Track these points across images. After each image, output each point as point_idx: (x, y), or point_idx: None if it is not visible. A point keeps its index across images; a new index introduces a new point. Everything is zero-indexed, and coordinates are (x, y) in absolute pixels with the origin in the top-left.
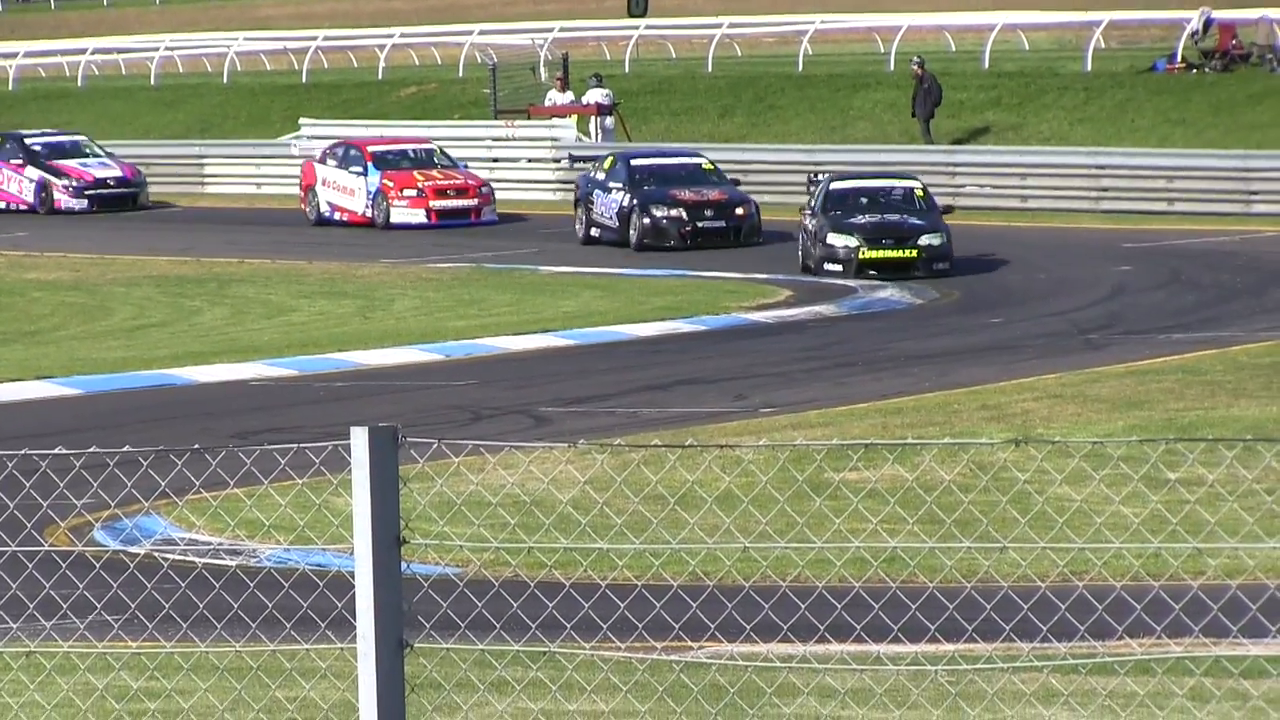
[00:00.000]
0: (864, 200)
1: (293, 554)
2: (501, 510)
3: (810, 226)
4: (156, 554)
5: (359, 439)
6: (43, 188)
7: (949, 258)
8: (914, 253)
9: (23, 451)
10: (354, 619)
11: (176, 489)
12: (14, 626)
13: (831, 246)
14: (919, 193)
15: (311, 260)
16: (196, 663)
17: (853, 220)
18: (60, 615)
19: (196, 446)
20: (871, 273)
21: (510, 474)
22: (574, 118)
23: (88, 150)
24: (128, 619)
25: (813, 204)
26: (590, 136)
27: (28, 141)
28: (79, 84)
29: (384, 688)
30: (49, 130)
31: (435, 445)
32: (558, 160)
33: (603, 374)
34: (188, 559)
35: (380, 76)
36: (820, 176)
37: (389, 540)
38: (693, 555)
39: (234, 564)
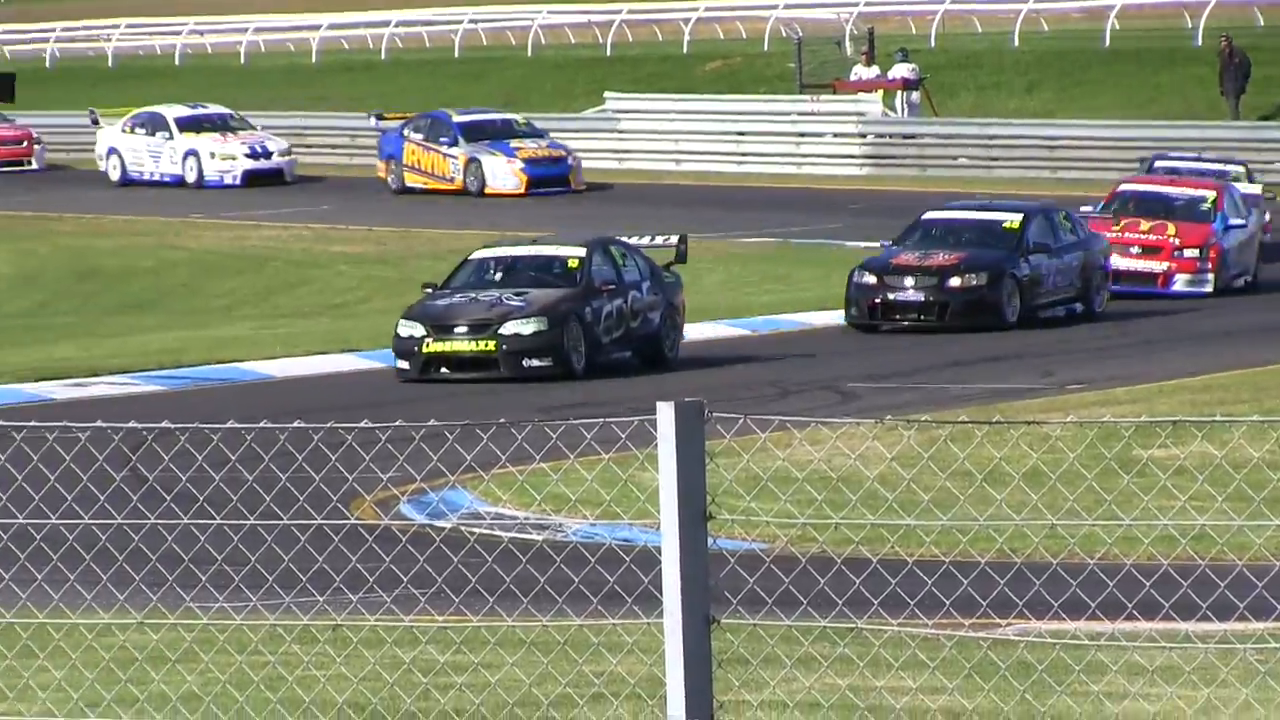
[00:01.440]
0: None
1: (599, 529)
2: (808, 486)
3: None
4: (463, 528)
5: (665, 414)
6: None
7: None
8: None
9: (329, 425)
10: (661, 594)
11: (482, 463)
12: (320, 600)
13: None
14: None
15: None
16: (503, 637)
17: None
18: (366, 589)
19: (502, 420)
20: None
21: (817, 450)
22: (880, 93)
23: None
24: (434, 593)
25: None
26: (896, 111)
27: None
28: (382, 56)
29: (691, 663)
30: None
31: (741, 420)
32: (863, 135)
33: (908, 350)
34: (494, 533)
35: (685, 50)
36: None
37: (696, 515)
38: (1000, 532)
39: (540, 538)
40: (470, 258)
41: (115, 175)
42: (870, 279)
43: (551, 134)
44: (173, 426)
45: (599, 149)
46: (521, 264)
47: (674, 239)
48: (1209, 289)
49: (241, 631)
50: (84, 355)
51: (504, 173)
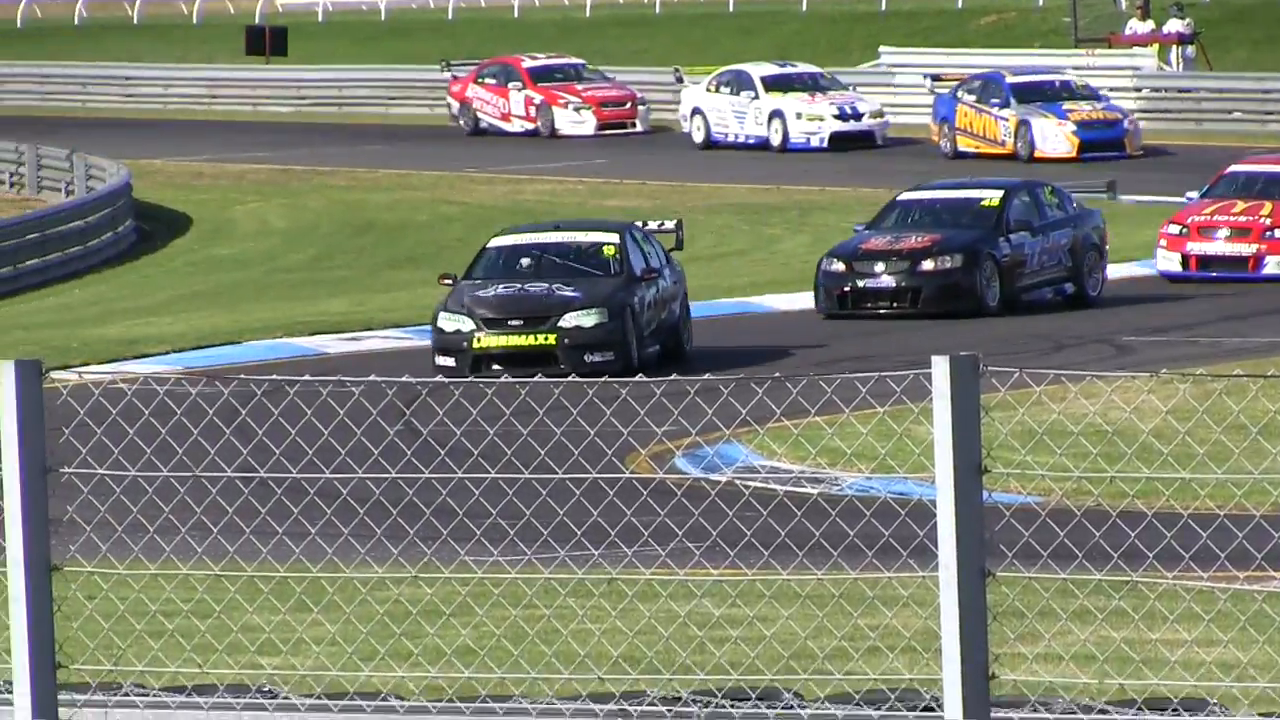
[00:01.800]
0: None
1: (874, 482)
2: (1083, 439)
3: None
4: (738, 481)
5: (940, 368)
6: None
7: None
8: None
9: (603, 379)
10: (936, 547)
11: (757, 417)
12: (596, 553)
13: None
14: None
15: (892, 189)
16: (778, 590)
17: None
18: (641, 543)
19: (777, 375)
20: None
21: (1092, 403)
22: (1154, 47)
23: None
24: (709, 546)
25: None
26: (1170, 66)
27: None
28: (655, 11)
29: (966, 615)
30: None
31: (1016, 374)
32: (1138, 90)
33: (1184, 302)
34: (769, 486)
35: (959, 4)
36: None
37: (970, 469)
38: (1275, 486)
39: (815, 492)
40: (490, 245)
41: (699, 137)
42: (839, 266)
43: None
44: (446, 381)
45: (897, 103)
46: (554, 251)
47: (670, 224)
48: None
49: (516, 585)
50: (358, 309)
51: (1054, 135)
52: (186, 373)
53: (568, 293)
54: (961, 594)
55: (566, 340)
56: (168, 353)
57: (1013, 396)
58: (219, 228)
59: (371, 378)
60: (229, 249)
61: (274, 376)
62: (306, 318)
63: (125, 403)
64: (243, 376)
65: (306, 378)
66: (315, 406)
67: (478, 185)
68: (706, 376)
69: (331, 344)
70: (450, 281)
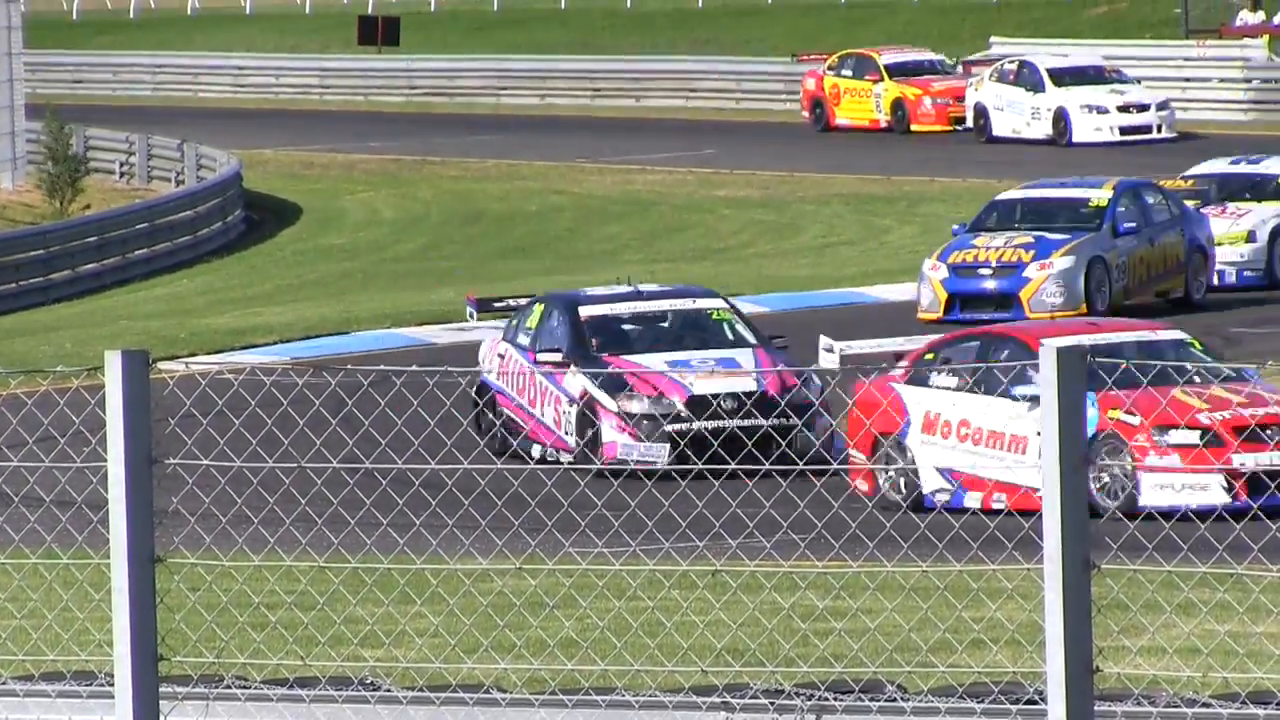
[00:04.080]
0: None
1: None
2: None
3: None
4: (842, 474)
5: (1047, 359)
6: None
7: None
8: None
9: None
10: (1040, 540)
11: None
12: (700, 545)
13: None
14: None
15: (1000, 179)
16: (883, 582)
17: None
18: (746, 534)
19: (884, 366)
20: None
21: None
22: (1265, 38)
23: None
24: (814, 538)
25: None
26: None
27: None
28: (768, 1)
29: (1070, 608)
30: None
31: (1122, 367)
32: (1249, 81)
33: None
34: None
35: None
36: None
37: (1076, 461)
38: None
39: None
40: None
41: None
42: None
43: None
44: (554, 369)
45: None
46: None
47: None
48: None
49: (620, 577)
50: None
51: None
52: (294, 363)
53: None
54: (1066, 586)
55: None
56: (275, 343)
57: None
58: (328, 218)
59: (477, 368)
60: (338, 239)
61: (381, 367)
62: (415, 307)
63: (231, 393)
64: (350, 367)
65: (414, 368)
66: (421, 397)
67: (588, 176)
68: (814, 368)
69: (439, 334)
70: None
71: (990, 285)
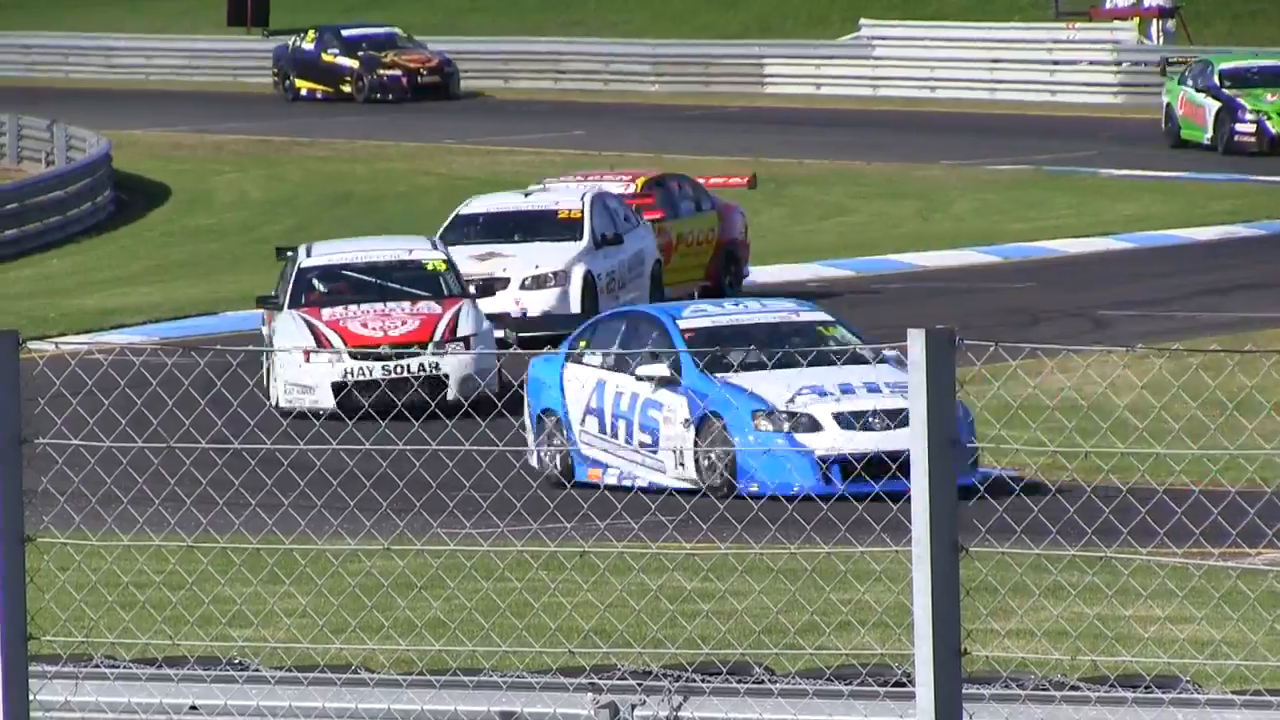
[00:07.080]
0: None
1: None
2: (1058, 414)
3: None
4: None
5: (916, 341)
6: None
7: None
8: None
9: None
10: (909, 522)
11: None
12: (568, 526)
13: None
14: None
15: (870, 162)
16: (750, 564)
17: None
18: (614, 515)
19: (753, 348)
20: None
21: (1068, 378)
22: (1135, 20)
23: None
24: (681, 520)
25: None
26: (1150, 39)
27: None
28: None
29: (939, 591)
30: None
31: (992, 349)
32: (1118, 63)
33: (1161, 278)
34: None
35: None
36: None
37: (944, 443)
38: (1250, 461)
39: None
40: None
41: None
42: None
43: (801, 61)
44: (419, 352)
45: (853, 76)
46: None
47: None
48: None
49: (488, 558)
50: None
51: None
52: (163, 343)
53: None
54: (934, 569)
55: None
56: (144, 323)
57: (988, 370)
58: (197, 198)
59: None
60: (207, 219)
61: (249, 347)
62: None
63: (101, 373)
64: (219, 347)
65: (283, 348)
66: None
67: (456, 156)
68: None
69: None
70: None
71: None
